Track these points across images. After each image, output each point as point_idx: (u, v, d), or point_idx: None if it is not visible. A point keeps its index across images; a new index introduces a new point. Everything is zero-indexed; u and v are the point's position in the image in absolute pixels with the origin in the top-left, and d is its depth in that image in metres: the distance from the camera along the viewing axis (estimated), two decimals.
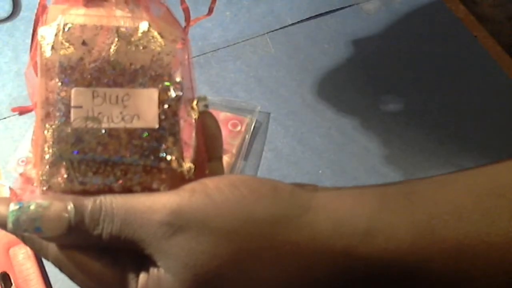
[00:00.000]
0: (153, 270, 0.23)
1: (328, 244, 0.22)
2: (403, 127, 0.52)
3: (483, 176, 0.25)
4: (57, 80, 0.24)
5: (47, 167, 0.24)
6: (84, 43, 0.24)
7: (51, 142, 0.24)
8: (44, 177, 0.24)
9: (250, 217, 0.22)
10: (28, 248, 0.43)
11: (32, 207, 0.22)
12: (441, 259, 0.22)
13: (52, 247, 0.24)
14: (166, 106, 0.25)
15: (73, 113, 0.24)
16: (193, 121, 0.26)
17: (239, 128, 0.50)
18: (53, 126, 0.24)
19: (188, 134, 0.26)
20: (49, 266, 0.44)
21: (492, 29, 0.59)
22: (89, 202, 0.22)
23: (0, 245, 0.44)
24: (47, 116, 0.24)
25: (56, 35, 0.24)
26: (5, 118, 0.53)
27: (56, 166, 0.24)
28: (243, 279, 0.22)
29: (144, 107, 0.24)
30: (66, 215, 0.22)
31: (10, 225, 0.22)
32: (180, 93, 0.25)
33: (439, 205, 0.23)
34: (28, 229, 0.22)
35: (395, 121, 0.52)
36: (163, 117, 0.24)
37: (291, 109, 0.53)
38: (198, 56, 0.57)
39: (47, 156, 0.24)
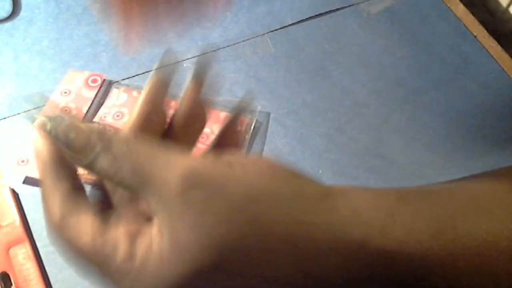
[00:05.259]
0: (147, 229, 0.21)
1: (345, 232, 0.20)
2: (403, 127, 0.52)
3: (500, 177, 0.24)
4: None
5: None
6: None
7: None
8: None
9: (269, 188, 0.21)
10: (28, 248, 0.44)
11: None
12: (465, 256, 0.21)
13: None
14: None
15: None
16: None
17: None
18: None
19: None
20: (49, 266, 0.44)
21: (493, 29, 0.59)
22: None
23: (0, 245, 0.44)
24: None
25: None
26: (5, 118, 0.53)
27: None
28: (251, 252, 0.20)
29: None
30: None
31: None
32: None
33: (460, 202, 0.22)
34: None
35: (395, 121, 0.52)
36: None
37: (291, 109, 0.53)
38: (198, 56, 0.57)
39: None
